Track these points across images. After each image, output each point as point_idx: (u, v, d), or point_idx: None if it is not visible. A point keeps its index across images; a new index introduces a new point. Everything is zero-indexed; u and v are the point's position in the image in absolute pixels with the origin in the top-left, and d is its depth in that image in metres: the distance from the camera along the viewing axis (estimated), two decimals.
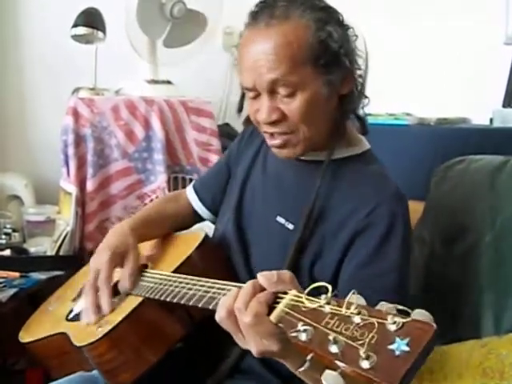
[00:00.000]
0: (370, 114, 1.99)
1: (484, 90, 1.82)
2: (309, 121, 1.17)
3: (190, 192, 1.58)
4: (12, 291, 1.85)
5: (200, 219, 1.57)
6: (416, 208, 1.58)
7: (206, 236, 1.36)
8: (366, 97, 1.29)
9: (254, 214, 1.36)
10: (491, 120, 1.73)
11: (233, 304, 0.91)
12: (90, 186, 2.29)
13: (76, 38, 2.44)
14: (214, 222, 1.54)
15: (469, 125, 1.88)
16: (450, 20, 1.96)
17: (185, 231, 1.54)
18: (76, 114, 2.30)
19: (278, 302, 0.87)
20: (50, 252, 2.22)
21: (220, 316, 0.93)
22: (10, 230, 2.34)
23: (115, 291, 1.31)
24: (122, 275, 1.31)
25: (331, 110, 1.21)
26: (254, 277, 1.25)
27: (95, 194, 2.30)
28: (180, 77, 2.61)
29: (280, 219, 1.27)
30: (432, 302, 1.41)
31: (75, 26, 2.41)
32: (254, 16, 1.17)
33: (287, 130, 1.18)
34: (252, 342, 0.89)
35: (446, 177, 1.53)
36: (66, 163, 2.30)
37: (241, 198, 1.39)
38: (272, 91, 1.15)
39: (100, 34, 2.43)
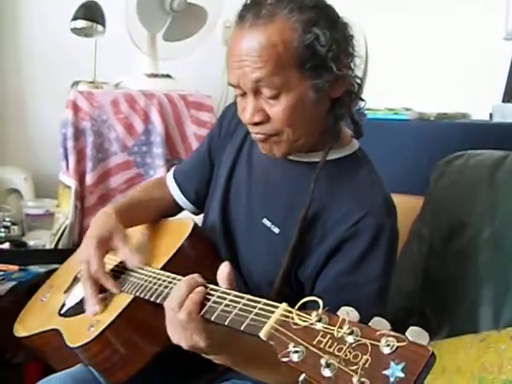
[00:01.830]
0: (369, 109, 2.00)
1: (484, 85, 1.82)
2: (293, 124, 1.14)
3: (170, 183, 1.53)
4: (11, 284, 1.85)
5: (180, 209, 1.54)
6: (415, 203, 1.58)
7: (195, 225, 1.34)
8: (363, 100, 1.25)
9: (240, 211, 1.33)
10: (491, 115, 1.73)
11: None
12: (89, 179, 2.29)
13: (75, 31, 2.43)
14: (194, 213, 1.52)
15: (468, 120, 1.88)
16: (450, 15, 1.96)
17: (172, 218, 1.51)
18: (75, 108, 2.29)
19: (209, 299, 0.94)
20: (49, 245, 2.23)
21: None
22: (9, 224, 2.35)
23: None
24: (123, 256, 1.29)
25: (322, 113, 1.18)
26: (241, 273, 1.26)
27: (94, 187, 2.30)
28: (180, 71, 2.61)
29: (266, 222, 1.25)
30: (431, 297, 1.42)
31: (75, 19, 2.40)
32: (241, 14, 1.14)
33: (270, 131, 1.16)
34: (183, 338, 0.97)
35: (446, 172, 1.53)
36: (66, 157, 2.29)
37: (226, 193, 1.37)
38: (256, 92, 1.13)
39: (99, 27, 2.42)
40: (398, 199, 1.62)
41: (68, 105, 2.29)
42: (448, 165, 1.54)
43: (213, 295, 0.95)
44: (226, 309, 0.91)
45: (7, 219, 2.36)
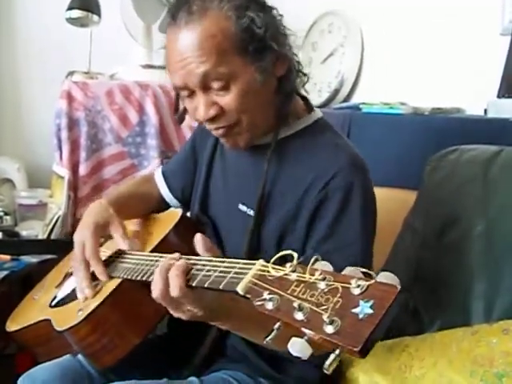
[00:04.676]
0: (364, 103, 2.01)
1: (479, 81, 1.82)
2: (248, 110, 1.16)
3: (159, 180, 1.56)
4: (3, 274, 1.86)
5: (167, 206, 1.56)
6: (409, 197, 1.58)
7: (183, 215, 1.37)
8: (305, 74, 1.28)
9: (219, 202, 1.37)
10: (485, 110, 1.73)
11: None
12: (82, 170, 2.29)
13: (70, 21, 2.43)
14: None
15: (463, 115, 1.88)
16: (446, 10, 1.96)
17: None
18: (70, 98, 2.29)
19: (191, 269, 0.95)
20: (42, 235, 2.23)
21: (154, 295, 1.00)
22: (1, 213, 2.35)
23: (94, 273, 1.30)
24: (120, 241, 1.31)
25: (270, 94, 1.20)
26: None
27: (88, 178, 2.30)
28: None
29: (242, 207, 1.28)
30: (423, 291, 1.42)
31: (70, 8, 2.40)
32: (173, 15, 1.15)
33: (228, 122, 1.17)
34: (181, 313, 1.00)
35: (439, 166, 1.53)
36: (59, 147, 2.29)
37: (206, 188, 1.40)
38: (205, 87, 1.14)
39: (95, 17, 2.42)
40: (391, 193, 1.64)
41: (62, 95, 2.29)
42: (442, 159, 1.54)
43: (196, 265, 0.97)
44: (207, 273, 0.93)
45: (0, 209, 2.36)
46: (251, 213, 1.24)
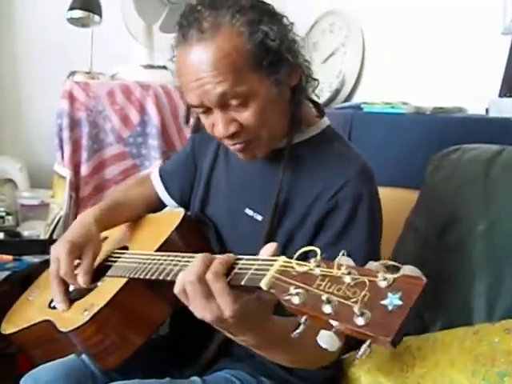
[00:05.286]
0: (366, 103, 2.01)
1: (480, 80, 1.82)
2: (266, 124, 1.15)
3: (156, 181, 1.55)
4: (4, 274, 1.86)
5: (164, 206, 1.56)
6: (410, 196, 1.58)
7: (186, 214, 1.37)
8: (315, 79, 1.27)
9: (221, 205, 1.36)
10: (487, 110, 1.73)
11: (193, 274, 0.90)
12: (84, 170, 2.29)
13: (72, 21, 2.43)
14: None
15: (465, 114, 1.88)
16: (447, 10, 1.96)
17: (164, 210, 1.54)
18: (71, 98, 2.29)
19: (233, 267, 0.91)
20: (44, 236, 2.23)
21: (177, 289, 0.93)
22: (3, 214, 2.35)
23: (96, 274, 1.30)
24: (78, 271, 1.29)
25: (286, 103, 1.20)
26: None
27: (89, 178, 2.30)
28: None
29: (248, 211, 1.27)
30: (425, 290, 1.42)
31: (71, 9, 2.40)
32: (183, 33, 1.12)
33: (248, 138, 1.16)
34: (208, 309, 0.90)
35: (441, 166, 1.53)
36: (61, 147, 2.30)
37: (207, 191, 1.40)
38: (223, 105, 1.12)
39: (96, 17, 2.42)
40: (393, 192, 1.64)
41: (64, 95, 2.29)
42: (443, 158, 1.54)
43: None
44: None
45: (2, 209, 2.36)
46: (258, 217, 1.24)
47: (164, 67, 2.57)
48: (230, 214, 1.33)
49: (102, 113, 2.33)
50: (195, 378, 1.24)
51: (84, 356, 1.30)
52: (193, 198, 1.46)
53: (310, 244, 1.16)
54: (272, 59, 1.11)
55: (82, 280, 1.27)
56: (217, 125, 1.15)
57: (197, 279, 0.89)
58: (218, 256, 0.93)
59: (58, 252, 1.29)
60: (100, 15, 2.43)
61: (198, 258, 0.92)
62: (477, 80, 1.84)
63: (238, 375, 1.27)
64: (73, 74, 2.45)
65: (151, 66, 2.55)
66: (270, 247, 0.93)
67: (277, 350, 1.05)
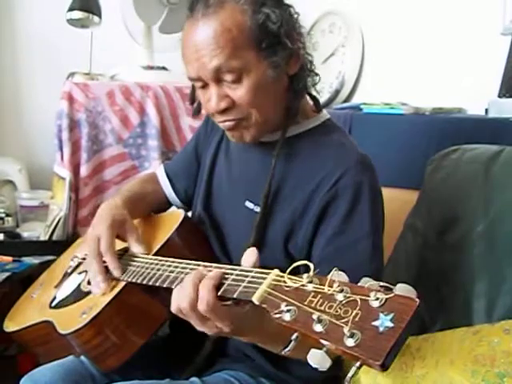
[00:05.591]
0: (365, 103, 2.01)
1: (480, 80, 1.82)
2: (259, 104, 1.17)
3: (162, 178, 1.56)
4: (4, 275, 1.86)
5: (170, 205, 1.57)
6: (410, 197, 1.58)
7: (186, 216, 1.37)
8: (317, 74, 1.30)
9: (223, 200, 1.37)
10: (486, 110, 1.73)
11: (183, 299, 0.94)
12: (83, 171, 2.29)
13: (71, 22, 2.43)
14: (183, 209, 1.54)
15: (464, 115, 1.88)
16: (447, 10, 1.96)
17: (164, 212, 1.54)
18: (71, 99, 2.29)
19: (226, 279, 0.92)
20: (43, 237, 2.23)
21: (174, 310, 0.98)
22: (3, 215, 2.35)
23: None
24: (129, 243, 1.31)
25: (282, 91, 1.22)
26: (231, 259, 1.29)
27: (89, 179, 2.30)
28: (176, 63, 2.57)
29: (248, 204, 1.28)
30: (425, 290, 1.41)
31: (71, 9, 2.40)
32: (191, 7, 1.16)
33: (238, 115, 1.18)
34: (206, 328, 0.97)
35: (441, 166, 1.53)
36: (60, 148, 2.29)
37: (209, 186, 1.41)
38: (218, 79, 1.15)
39: (96, 18, 2.42)
40: (393, 192, 1.63)
41: (63, 96, 2.29)
42: (443, 159, 1.54)
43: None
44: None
45: (1, 210, 2.36)
46: (258, 210, 1.25)
47: (164, 68, 2.57)
48: (232, 207, 1.33)
49: (102, 114, 2.33)
50: (195, 379, 1.25)
51: (83, 357, 1.30)
52: (196, 193, 1.46)
53: (314, 234, 1.17)
54: (271, 41, 1.14)
55: (137, 249, 1.28)
56: (210, 99, 1.17)
57: (190, 308, 0.94)
58: (209, 274, 0.95)
59: (98, 229, 1.29)
60: (99, 16, 2.43)
61: (189, 282, 0.95)
62: (476, 80, 1.84)
63: (238, 376, 1.27)
64: (72, 74, 2.45)
65: (151, 67, 2.55)
66: (252, 255, 0.95)
67: (280, 340, 1.06)
